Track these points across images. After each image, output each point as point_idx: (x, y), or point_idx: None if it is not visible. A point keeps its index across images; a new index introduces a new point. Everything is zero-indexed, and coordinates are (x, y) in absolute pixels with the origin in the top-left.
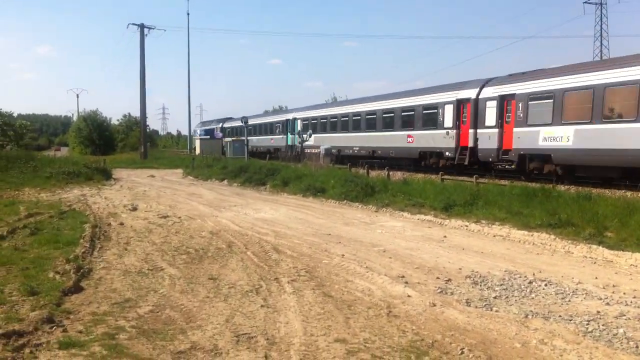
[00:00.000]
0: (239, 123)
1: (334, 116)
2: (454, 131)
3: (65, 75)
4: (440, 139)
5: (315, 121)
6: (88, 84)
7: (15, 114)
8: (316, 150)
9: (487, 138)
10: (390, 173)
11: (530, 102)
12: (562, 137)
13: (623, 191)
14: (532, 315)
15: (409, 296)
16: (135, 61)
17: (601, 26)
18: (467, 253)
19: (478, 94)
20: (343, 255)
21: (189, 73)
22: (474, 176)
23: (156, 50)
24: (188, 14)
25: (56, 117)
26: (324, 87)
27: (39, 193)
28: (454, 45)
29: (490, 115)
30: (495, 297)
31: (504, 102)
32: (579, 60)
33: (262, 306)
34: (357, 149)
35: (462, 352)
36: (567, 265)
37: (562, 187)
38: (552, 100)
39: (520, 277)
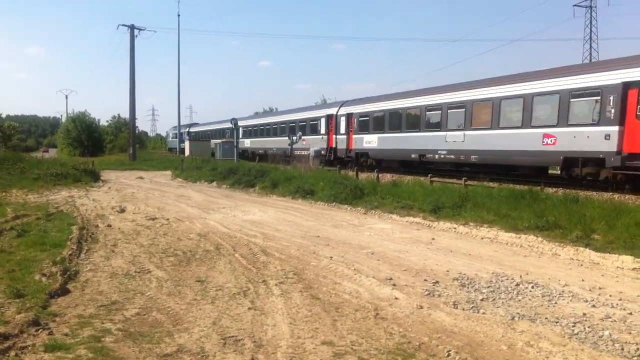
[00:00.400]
0: (200, 128)
1: (263, 125)
2: (326, 136)
3: (55, 76)
4: (319, 141)
5: (252, 128)
6: (78, 85)
7: (3, 115)
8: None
9: (341, 141)
10: (380, 175)
11: (359, 119)
12: (373, 141)
13: (610, 194)
14: (519, 318)
15: (396, 298)
16: (125, 62)
17: (590, 29)
18: (455, 255)
19: (337, 112)
20: (331, 257)
21: (179, 75)
22: (463, 178)
23: (146, 51)
24: (179, 16)
25: (45, 118)
26: (314, 89)
27: (27, 195)
28: (445, 48)
29: (343, 126)
30: (482, 300)
31: (349, 117)
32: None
33: (249, 309)
34: (275, 149)
35: (449, 355)
36: (554, 267)
37: (550, 190)
38: (368, 118)
39: (507, 279)
